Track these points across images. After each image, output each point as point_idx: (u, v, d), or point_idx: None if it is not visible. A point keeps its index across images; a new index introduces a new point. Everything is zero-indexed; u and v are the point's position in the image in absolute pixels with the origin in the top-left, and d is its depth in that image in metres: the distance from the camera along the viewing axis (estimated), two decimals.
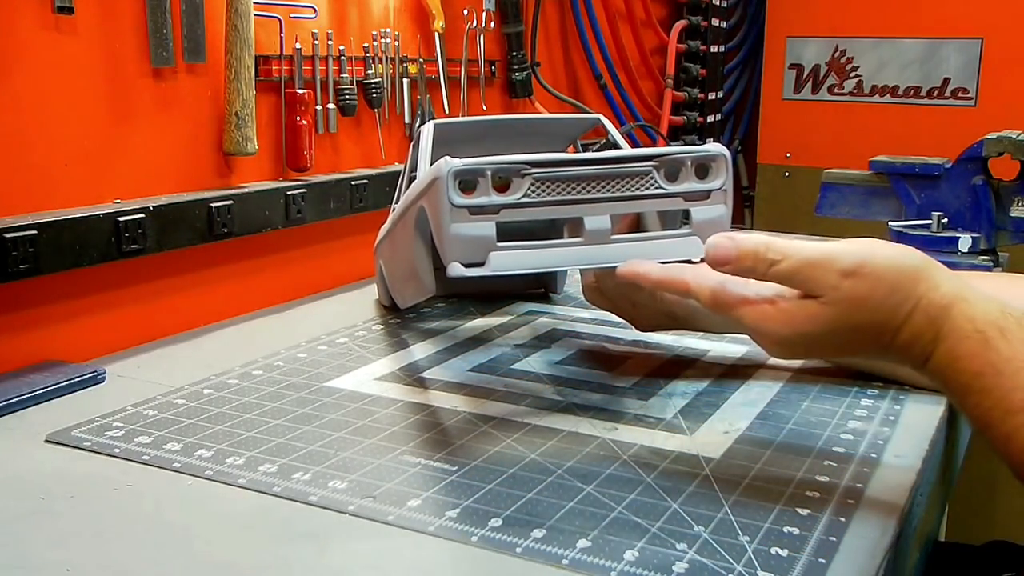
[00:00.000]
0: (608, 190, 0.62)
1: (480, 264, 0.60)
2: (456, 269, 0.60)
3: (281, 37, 1.07)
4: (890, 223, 1.36)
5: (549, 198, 0.61)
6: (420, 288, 0.73)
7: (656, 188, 0.63)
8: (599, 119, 0.88)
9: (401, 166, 1.26)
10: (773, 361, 0.85)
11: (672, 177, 0.63)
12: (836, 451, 0.66)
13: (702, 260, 0.60)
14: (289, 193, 1.06)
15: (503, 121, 0.87)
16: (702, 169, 0.64)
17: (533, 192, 0.60)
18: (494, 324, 0.99)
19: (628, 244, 0.63)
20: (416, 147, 0.82)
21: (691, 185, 0.63)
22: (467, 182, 0.60)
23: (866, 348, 0.59)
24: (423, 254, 0.70)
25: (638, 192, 0.62)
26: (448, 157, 0.60)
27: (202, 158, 1.00)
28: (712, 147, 0.64)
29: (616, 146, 0.83)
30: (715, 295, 0.60)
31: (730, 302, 0.59)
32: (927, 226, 1.35)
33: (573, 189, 0.61)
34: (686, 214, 0.65)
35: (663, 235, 0.65)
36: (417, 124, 1.29)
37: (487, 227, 0.59)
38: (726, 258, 0.58)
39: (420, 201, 0.65)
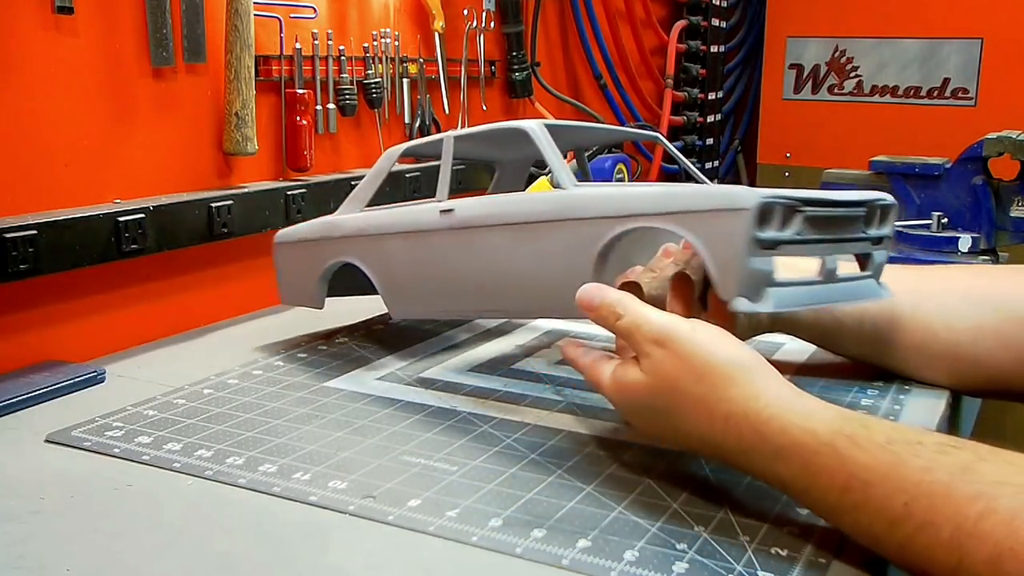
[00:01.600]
0: (840, 231, 0.62)
1: (757, 299, 0.58)
2: (743, 304, 0.57)
3: (281, 37, 1.07)
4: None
5: (812, 236, 0.60)
6: (312, 300, 0.87)
7: (861, 232, 0.64)
8: (658, 136, 0.86)
9: (402, 166, 1.26)
10: (775, 359, 0.85)
11: (868, 222, 0.65)
12: None
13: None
14: (289, 193, 1.06)
15: (569, 128, 0.82)
16: (883, 214, 0.65)
17: (804, 230, 0.59)
18: (494, 324, 0.99)
19: (847, 284, 0.65)
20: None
21: (879, 230, 0.65)
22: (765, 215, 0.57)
23: (703, 445, 0.57)
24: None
25: (852, 235, 0.64)
26: (747, 187, 0.58)
27: (202, 158, 1.00)
28: (888, 196, 0.65)
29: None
30: (587, 369, 0.64)
31: (594, 378, 0.63)
32: (927, 226, 1.35)
33: (825, 229, 0.61)
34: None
35: (854, 276, 0.66)
36: (417, 124, 1.30)
37: (770, 262, 0.58)
38: (589, 305, 0.62)
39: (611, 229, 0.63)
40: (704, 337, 0.56)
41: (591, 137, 1.01)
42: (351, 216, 0.83)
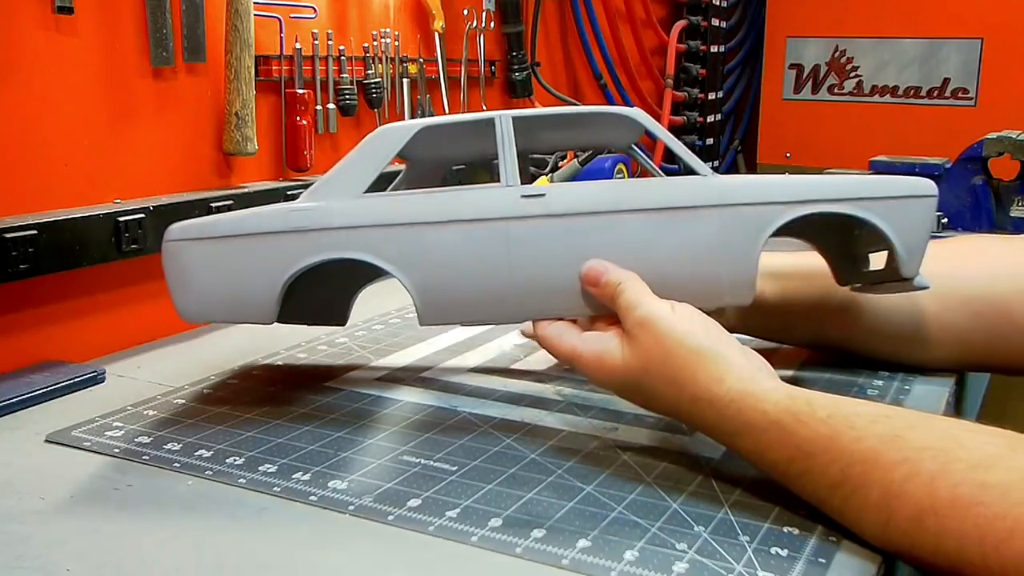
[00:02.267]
0: None
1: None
2: (922, 280, 0.67)
3: (281, 37, 1.07)
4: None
5: None
6: (259, 312, 0.69)
7: None
8: (638, 115, 0.71)
9: (402, 166, 1.26)
10: (772, 361, 0.85)
11: None
12: None
13: None
14: (289, 193, 1.06)
15: (538, 117, 0.71)
16: None
17: None
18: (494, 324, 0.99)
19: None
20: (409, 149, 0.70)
21: None
22: None
23: (677, 417, 0.63)
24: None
25: None
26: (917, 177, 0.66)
27: (202, 158, 1.00)
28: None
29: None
30: (553, 346, 0.67)
31: (566, 350, 0.66)
32: None
33: None
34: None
35: None
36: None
37: None
38: (596, 280, 0.66)
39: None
40: (680, 322, 0.61)
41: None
42: (356, 203, 0.68)
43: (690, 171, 0.68)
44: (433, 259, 0.67)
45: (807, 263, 0.78)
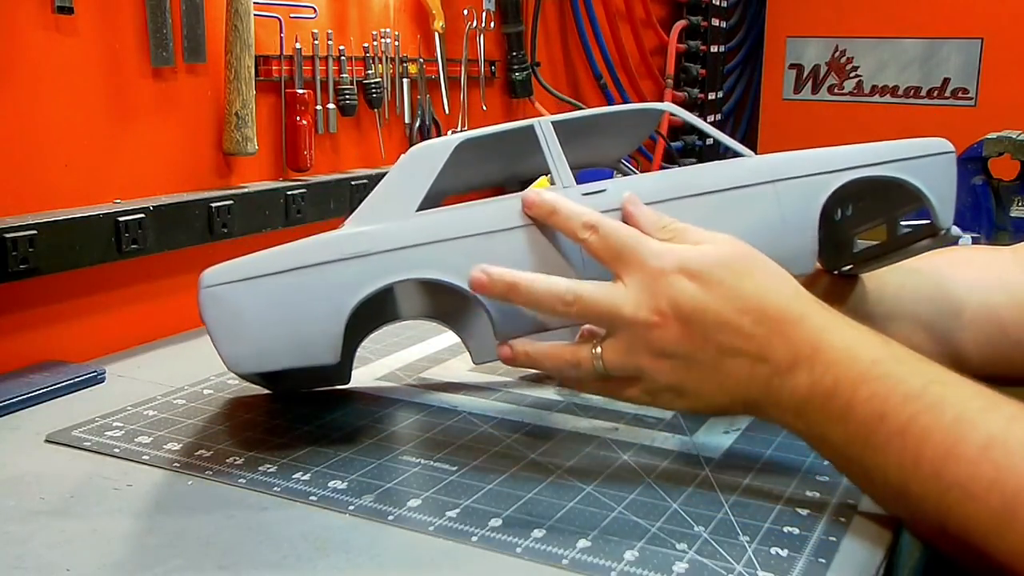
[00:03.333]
0: None
1: None
2: (956, 229, 0.70)
3: (281, 37, 1.07)
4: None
5: None
6: (321, 353, 0.63)
7: None
8: (669, 108, 0.73)
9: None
10: None
11: None
12: None
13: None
14: (289, 193, 1.06)
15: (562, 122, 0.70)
16: None
17: None
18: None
19: None
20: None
21: None
22: None
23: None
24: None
25: None
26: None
27: (202, 158, 1.00)
28: None
29: (695, 129, 0.84)
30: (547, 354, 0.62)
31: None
32: None
33: None
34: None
35: None
36: (417, 124, 1.29)
37: None
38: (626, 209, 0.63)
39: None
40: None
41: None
42: (413, 221, 0.64)
43: (732, 154, 0.70)
44: (507, 265, 0.63)
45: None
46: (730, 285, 0.57)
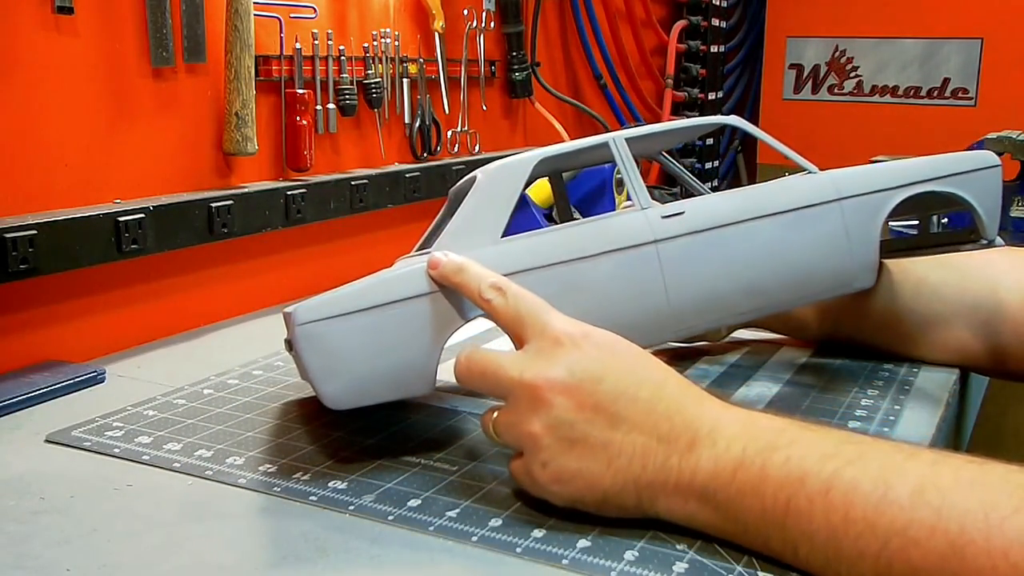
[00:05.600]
0: None
1: None
2: (1000, 241, 0.73)
3: (281, 37, 1.07)
4: (890, 223, 1.36)
5: None
6: (421, 383, 0.64)
7: None
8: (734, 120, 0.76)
9: (402, 166, 1.26)
10: (774, 360, 0.85)
11: None
12: None
13: None
14: (289, 193, 1.06)
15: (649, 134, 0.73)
16: None
17: None
18: (494, 324, 0.98)
19: None
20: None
21: None
22: None
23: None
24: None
25: None
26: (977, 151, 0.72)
27: (202, 158, 1.00)
28: None
29: (753, 138, 0.86)
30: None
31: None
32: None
33: None
34: None
35: None
36: (417, 124, 1.29)
37: None
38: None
39: None
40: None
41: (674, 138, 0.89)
42: (501, 248, 0.65)
43: (793, 170, 0.74)
44: (593, 292, 0.65)
45: None
46: (634, 359, 0.56)
